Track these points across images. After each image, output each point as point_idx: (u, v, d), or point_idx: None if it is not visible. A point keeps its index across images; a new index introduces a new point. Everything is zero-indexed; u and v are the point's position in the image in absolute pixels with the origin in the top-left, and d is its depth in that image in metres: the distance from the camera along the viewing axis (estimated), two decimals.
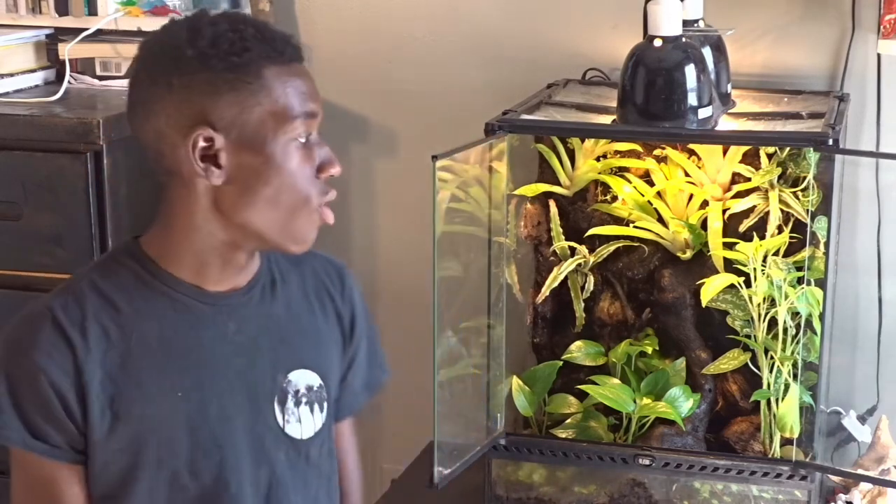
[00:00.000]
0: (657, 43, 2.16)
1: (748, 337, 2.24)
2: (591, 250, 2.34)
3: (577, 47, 2.61)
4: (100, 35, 2.58)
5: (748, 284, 2.21)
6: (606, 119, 2.27)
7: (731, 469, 2.23)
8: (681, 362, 2.32)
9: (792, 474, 2.21)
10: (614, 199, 2.35)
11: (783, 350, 2.21)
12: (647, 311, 2.36)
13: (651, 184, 2.31)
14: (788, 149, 2.19)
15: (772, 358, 2.22)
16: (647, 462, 2.25)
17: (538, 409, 2.36)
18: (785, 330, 2.20)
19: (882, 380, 2.56)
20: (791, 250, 2.22)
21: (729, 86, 2.34)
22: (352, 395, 1.71)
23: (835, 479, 2.38)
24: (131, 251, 1.51)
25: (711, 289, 2.22)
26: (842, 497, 2.34)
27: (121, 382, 1.46)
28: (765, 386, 2.24)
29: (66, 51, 2.55)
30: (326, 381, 1.62)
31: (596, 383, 2.30)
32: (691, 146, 2.27)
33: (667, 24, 2.15)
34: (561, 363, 2.36)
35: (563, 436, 2.32)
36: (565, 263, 2.33)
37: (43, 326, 1.44)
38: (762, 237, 2.21)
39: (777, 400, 2.23)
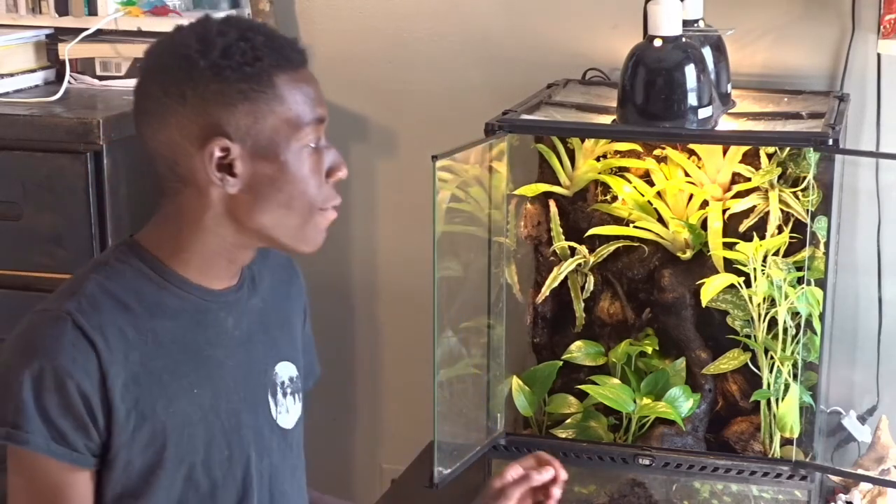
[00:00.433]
0: (657, 43, 2.16)
1: (748, 337, 2.24)
2: (591, 250, 2.34)
3: (577, 47, 2.61)
4: (100, 35, 2.58)
5: (748, 284, 2.21)
6: (606, 119, 2.27)
7: (731, 469, 2.23)
8: (681, 362, 2.32)
9: (792, 474, 2.21)
10: (614, 199, 2.35)
11: (783, 350, 2.21)
12: (647, 311, 2.36)
13: (651, 184, 2.31)
14: (788, 149, 2.19)
15: (772, 358, 2.22)
16: (647, 462, 2.25)
17: (538, 409, 2.36)
18: (785, 330, 2.20)
19: (882, 380, 2.56)
20: (791, 250, 2.22)
21: (729, 86, 2.34)
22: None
23: (835, 479, 2.38)
24: (134, 251, 1.52)
25: (711, 289, 2.22)
26: (842, 497, 2.34)
27: (144, 382, 1.46)
28: (765, 386, 2.24)
29: (66, 51, 2.55)
30: (300, 371, 1.67)
31: (596, 383, 2.30)
32: (691, 146, 2.27)
33: (667, 24, 2.15)
34: (561, 363, 2.36)
35: (563, 436, 2.32)
36: (565, 263, 2.33)
37: (65, 330, 1.43)
38: (762, 237, 2.21)
39: (777, 400, 2.23)
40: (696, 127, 2.17)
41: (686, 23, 2.21)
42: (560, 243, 2.35)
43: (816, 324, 2.18)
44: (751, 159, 2.25)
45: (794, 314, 2.20)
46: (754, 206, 2.23)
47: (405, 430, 2.75)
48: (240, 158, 1.45)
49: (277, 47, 1.47)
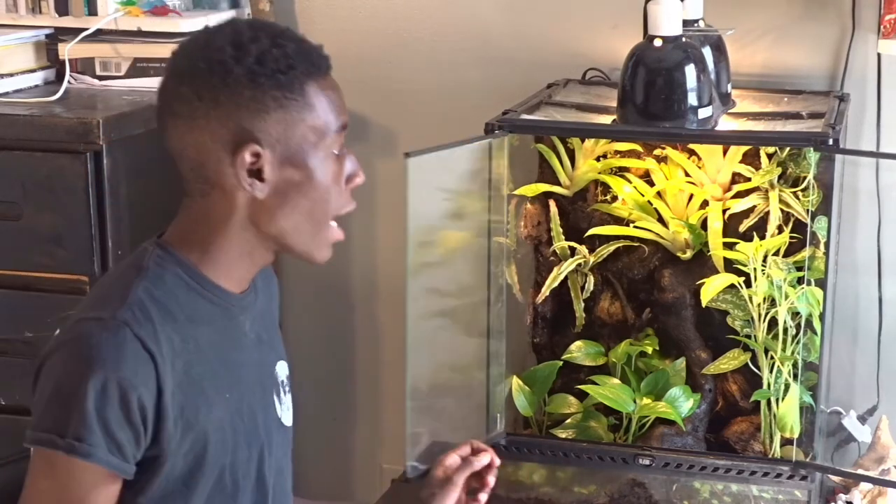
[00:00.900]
0: (657, 43, 2.16)
1: (748, 337, 2.24)
2: (591, 250, 2.34)
3: (577, 47, 2.61)
4: (100, 35, 2.58)
5: (748, 284, 2.21)
6: (606, 119, 2.27)
7: (731, 469, 2.23)
8: (681, 362, 2.32)
9: (792, 474, 2.21)
10: (614, 199, 2.35)
11: (783, 350, 2.21)
12: (647, 311, 2.36)
13: (651, 184, 2.31)
14: (788, 149, 2.19)
15: (772, 358, 2.22)
16: (647, 462, 2.25)
17: (538, 409, 2.36)
18: (785, 330, 2.20)
19: (882, 380, 2.56)
20: (791, 250, 2.22)
21: (729, 86, 2.34)
22: None
23: (835, 479, 2.38)
24: (171, 255, 1.51)
25: (711, 289, 2.22)
26: (842, 497, 2.34)
27: (187, 390, 1.47)
28: (765, 386, 2.24)
29: (66, 51, 2.55)
30: (291, 370, 1.69)
31: (596, 383, 2.30)
32: (691, 146, 2.27)
33: (667, 24, 2.15)
34: (561, 363, 2.36)
35: (563, 436, 2.32)
36: (565, 263, 2.33)
37: (125, 341, 1.41)
38: (762, 237, 2.21)
39: (777, 400, 2.23)
40: (696, 127, 2.17)
41: (686, 23, 2.21)
42: (560, 243, 2.35)
43: (816, 324, 2.18)
44: (751, 159, 2.25)
45: (795, 314, 2.20)
46: (754, 206, 2.24)
47: (405, 430, 2.74)
48: (269, 164, 1.46)
49: (307, 54, 1.49)
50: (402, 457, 2.21)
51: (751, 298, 2.22)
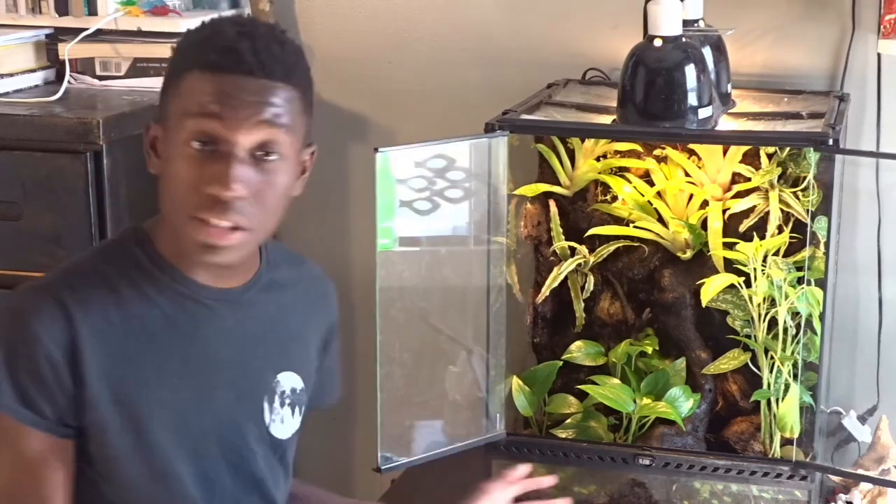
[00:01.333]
0: (657, 43, 2.16)
1: (748, 337, 2.24)
2: (591, 250, 2.34)
3: (577, 47, 2.61)
4: (100, 35, 2.58)
5: (748, 284, 2.21)
6: (606, 119, 2.27)
7: (731, 469, 2.23)
8: (681, 362, 2.32)
9: (792, 474, 2.21)
10: (614, 199, 2.35)
11: (783, 350, 2.21)
12: (647, 311, 2.36)
13: (651, 184, 2.31)
14: (788, 149, 2.19)
15: (772, 358, 2.22)
16: (647, 462, 2.25)
17: (538, 409, 2.36)
18: (785, 330, 2.20)
19: (882, 380, 2.56)
20: (791, 250, 2.22)
21: (729, 86, 2.34)
22: (318, 395, 1.73)
23: (835, 479, 2.38)
24: (138, 237, 1.54)
25: (711, 289, 2.22)
26: (842, 497, 2.34)
27: (122, 366, 1.48)
28: (765, 386, 2.24)
29: (66, 51, 2.55)
30: (307, 385, 1.65)
31: (596, 383, 2.30)
32: (691, 146, 2.26)
33: (667, 24, 2.15)
34: (561, 363, 2.36)
35: (563, 436, 2.32)
36: (565, 263, 2.33)
37: (45, 300, 1.46)
38: (762, 237, 2.21)
39: (777, 400, 2.23)
40: (696, 127, 2.17)
41: (686, 23, 2.21)
42: (560, 243, 2.35)
43: (816, 324, 2.18)
44: (751, 159, 2.25)
45: (794, 314, 2.20)
46: (754, 206, 2.23)
47: (405, 430, 2.74)
48: (161, 142, 1.49)
49: (206, 45, 1.47)
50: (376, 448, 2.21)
51: (751, 298, 2.22)
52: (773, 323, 2.21)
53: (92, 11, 2.58)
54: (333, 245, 2.86)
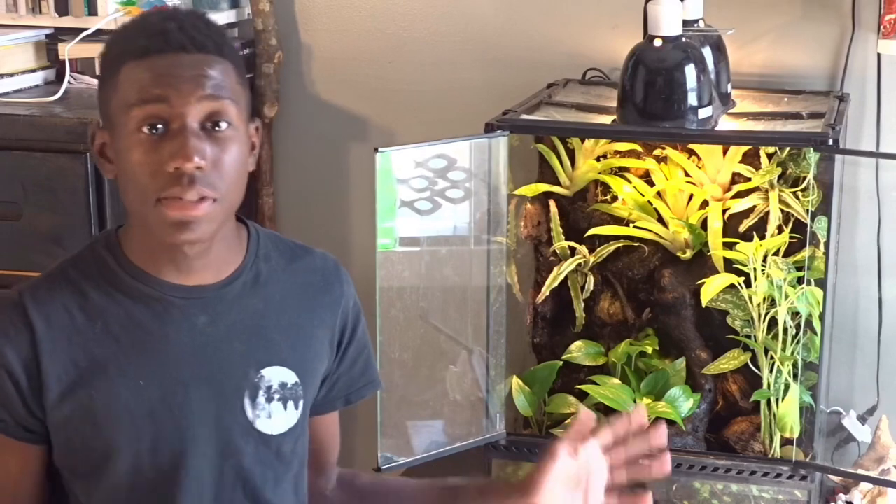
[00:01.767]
0: (657, 43, 2.16)
1: (748, 337, 2.24)
2: (591, 250, 2.34)
3: (577, 47, 2.61)
4: (100, 35, 2.57)
5: (748, 284, 2.21)
6: (606, 119, 2.27)
7: (731, 469, 2.23)
8: (681, 362, 2.32)
9: (792, 474, 2.21)
10: (614, 199, 2.35)
11: (783, 350, 2.21)
12: (647, 311, 2.36)
13: (651, 184, 2.31)
14: (788, 149, 2.19)
15: (772, 358, 2.22)
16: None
17: (538, 409, 2.36)
18: (785, 330, 2.20)
19: (882, 380, 2.56)
20: (791, 250, 2.22)
21: (729, 86, 2.34)
22: (348, 386, 1.70)
23: (835, 479, 2.38)
24: (108, 241, 1.56)
25: (711, 289, 2.22)
26: (842, 497, 2.34)
27: (84, 367, 1.50)
28: (765, 386, 2.24)
29: (66, 51, 2.55)
30: (304, 379, 1.61)
31: (596, 383, 2.30)
32: (691, 146, 2.27)
33: (667, 24, 2.15)
34: (561, 363, 2.36)
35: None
36: (565, 263, 2.33)
37: (8, 310, 1.50)
38: (762, 237, 2.21)
39: (777, 400, 2.23)
40: (696, 127, 2.17)
41: (686, 23, 2.21)
42: (560, 243, 2.35)
43: (816, 324, 2.18)
44: (751, 159, 2.25)
45: (794, 314, 2.20)
46: (754, 206, 2.24)
47: (407, 430, 2.74)
48: (109, 145, 1.49)
49: (132, 35, 1.48)
50: (378, 448, 2.21)
51: (751, 298, 2.22)
52: (773, 323, 2.21)
53: (92, 11, 2.58)
54: (333, 245, 2.84)
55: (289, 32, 2.77)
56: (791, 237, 2.21)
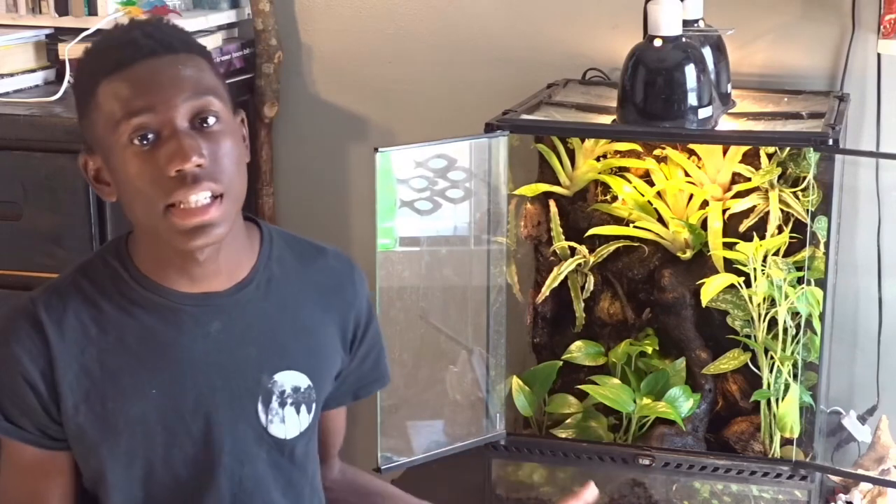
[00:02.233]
0: (657, 43, 2.16)
1: (748, 337, 2.24)
2: (591, 250, 2.34)
3: (577, 47, 2.61)
4: (100, 35, 2.57)
5: (748, 284, 2.21)
6: (606, 119, 2.27)
7: (731, 469, 2.23)
8: (681, 362, 2.32)
9: (792, 474, 2.21)
10: (614, 199, 2.35)
11: (783, 350, 2.21)
12: (647, 311, 2.36)
13: (651, 184, 2.31)
14: (788, 149, 2.19)
15: (772, 358, 2.22)
16: (647, 462, 2.25)
17: (538, 409, 2.36)
18: (785, 330, 2.20)
19: (882, 380, 2.56)
20: (791, 250, 2.22)
21: (729, 86, 2.34)
22: (357, 381, 1.71)
23: (835, 479, 2.38)
24: (117, 251, 1.55)
25: (711, 289, 2.22)
26: (842, 497, 2.34)
27: (97, 378, 1.50)
28: (765, 386, 2.24)
29: (66, 51, 2.55)
30: (317, 382, 1.61)
31: (596, 383, 2.30)
32: (691, 146, 2.27)
33: (667, 24, 2.15)
34: (561, 363, 2.36)
35: (563, 436, 2.32)
36: (565, 263, 2.33)
37: (23, 320, 1.50)
38: (762, 237, 2.21)
39: (777, 400, 2.23)
40: (696, 127, 2.17)
41: (686, 23, 2.21)
42: (560, 243, 2.35)
43: (816, 324, 2.18)
44: (751, 159, 2.25)
45: (794, 314, 2.20)
46: (754, 206, 2.24)
47: (407, 429, 2.74)
48: (103, 168, 1.50)
49: (100, 52, 1.49)
50: (378, 448, 2.21)
51: (751, 298, 2.22)
52: (773, 323, 2.21)
53: (92, 11, 2.58)
54: (333, 245, 2.85)
55: (289, 32, 2.77)
56: (791, 237, 2.21)
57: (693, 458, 2.25)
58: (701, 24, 2.30)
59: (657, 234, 2.31)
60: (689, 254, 2.31)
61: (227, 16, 2.71)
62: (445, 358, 2.32)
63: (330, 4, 2.76)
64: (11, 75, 2.53)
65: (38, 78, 2.60)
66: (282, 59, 2.75)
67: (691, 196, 2.30)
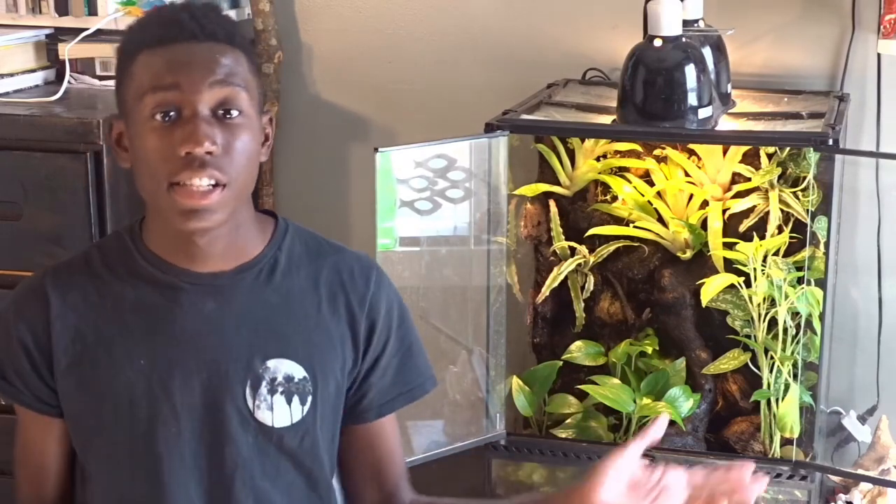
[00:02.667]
0: (657, 43, 2.16)
1: (748, 337, 2.24)
2: (591, 250, 2.34)
3: (577, 47, 2.61)
4: (100, 35, 2.58)
5: (748, 284, 2.21)
6: (606, 119, 2.27)
7: None
8: (681, 362, 2.32)
9: (792, 474, 2.21)
10: (614, 199, 2.35)
11: (783, 350, 2.21)
12: (647, 311, 2.36)
13: (651, 184, 2.31)
14: (788, 149, 2.19)
15: (772, 358, 2.23)
16: (647, 462, 2.25)
17: (538, 409, 2.36)
18: (785, 330, 2.20)
19: (882, 380, 2.56)
20: (791, 250, 2.22)
21: (729, 86, 2.34)
22: (379, 396, 1.66)
23: (835, 479, 2.38)
24: (131, 228, 1.60)
25: (711, 289, 2.22)
26: (842, 497, 2.34)
27: (90, 343, 1.54)
28: (765, 386, 2.24)
29: (66, 51, 2.55)
30: (315, 376, 1.60)
31: (596, 383, 2.30)
32: (691, 146, 2.27)
33: (667, 24, 2.15)
34: (561, 363, 2.36)
35: (563, 436, 2.32)
36: (565, 263, 2.33)
37: (30, 288, 1.56)
38: (762, 237, 2.22)
39: (777, 400, 2.23)
40: (696, 127, 2.17)
41: (686, 23, 2.21)
42: (560, 243, 2.35)
43: (816, 324, 2.18)
44: (751, 159, 2.25)
45: (794, 314, 2.20)
46: (754, 206, 2.24)
47: (407, 428, 2.74)
48: (126, 135, 1.53)
49: (145, 25, 1.53)
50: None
51: (751, 298, 2.22)
52: (773, 323, 2.22)
53: (92, 11, 2.58)
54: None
55: (289, 32, 2.77)
56: (791, 237, 2.21)
57: (693, 458, 2.25)
58: (701, 24, 2.30)
59: (657, 234, 2.31)
60: (689, 254, 2.31)
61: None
62: (445, 358, 2.32)
63: (330, 4, 2.76)
64: (11, 75, 2.53)
65: (38, 78, 2.60)
66: (282, 59, 2.75)
67: (691, 196, 2.30)
